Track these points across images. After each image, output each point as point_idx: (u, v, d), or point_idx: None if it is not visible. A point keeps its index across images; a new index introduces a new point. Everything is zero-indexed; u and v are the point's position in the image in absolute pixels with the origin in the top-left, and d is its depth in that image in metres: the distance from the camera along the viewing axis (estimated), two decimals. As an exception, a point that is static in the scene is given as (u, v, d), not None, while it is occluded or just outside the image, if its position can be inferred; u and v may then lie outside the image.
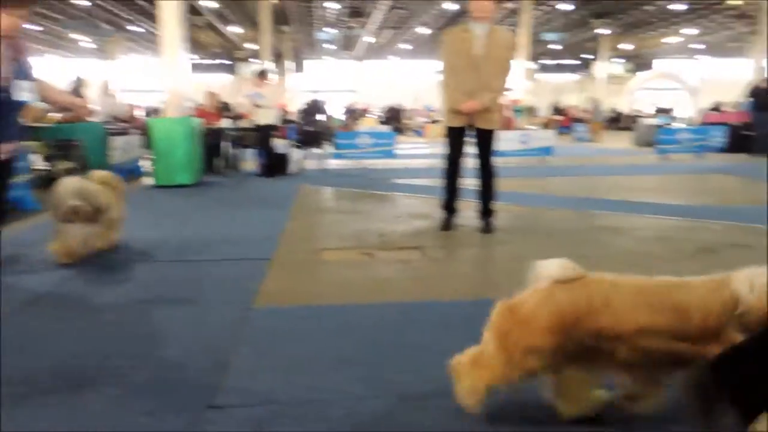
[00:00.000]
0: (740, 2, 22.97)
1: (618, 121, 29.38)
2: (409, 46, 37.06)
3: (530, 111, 27.55)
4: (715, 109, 19.56)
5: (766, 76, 12.97)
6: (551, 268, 1.88)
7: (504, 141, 12.14)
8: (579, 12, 27.45)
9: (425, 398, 2.08)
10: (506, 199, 6.59)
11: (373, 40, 35.50)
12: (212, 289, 3.47)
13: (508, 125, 22.51)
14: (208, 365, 2.36)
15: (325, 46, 37.75)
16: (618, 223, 5.47)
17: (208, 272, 3.82)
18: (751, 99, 12.87)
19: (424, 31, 30.64)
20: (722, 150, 13.45)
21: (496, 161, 5.18)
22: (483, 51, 4.74)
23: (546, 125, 24.48)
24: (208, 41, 34.24)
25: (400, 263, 4.05)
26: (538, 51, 36.64)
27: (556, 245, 4.60)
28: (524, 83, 28.67)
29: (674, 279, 1.84)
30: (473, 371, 1.88)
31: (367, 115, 27.44)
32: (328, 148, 11.35)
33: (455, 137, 4.96)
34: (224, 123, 10.64)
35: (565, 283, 1.83)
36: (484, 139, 4.94)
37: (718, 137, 13.64)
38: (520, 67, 27.71)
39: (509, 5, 25.61)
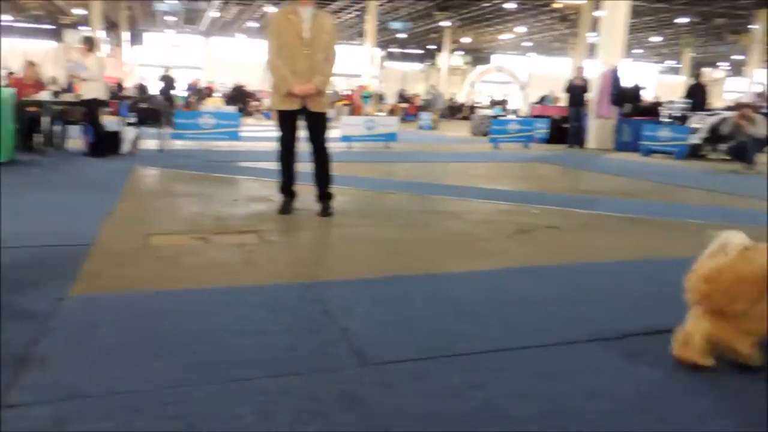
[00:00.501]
0: (561, 5, 25.31)
1: (459, 111, 31.11)
2: (256, 24, 36.01)
3: (378, 97, 28.22)
4: (540, 102, 21.44)
5: (578, 74, 14.42)
6: (737, 237, 2.23)
7: (349, 126, 12.39)
8: (424, 3, 28.52)
9: (247, 382, 2.05)
10: (349, 183, 6.71)
11: (218, 15, 34.01)
12: (21, 278, 3.13)
13: (356, 110, 22.91)
14: (3, 360, 2.13)
15: (166, 18, 35.44)
16: (452, 207, 5.80)
17: (16, 261, 3.44)
18: (567, 95, 14.30)
19: (271, 9, 29.93)
20: (545, 141, 14.83)
21: (331, 145, 5.23)
22: (310, 35, 4.78)
23: (392, 112, 25.27)
24: (26, 2, 30.52)
25: (236, 247, 3.96)
26: (386, 39, 37.60)
27: (394, 228, 4.78)
28: (373, 70, 29.30)
29: None
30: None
31: (213, 94, 26.32)
32: (166, 128, 10.72)
33: (289, 121, 4.93)
34: (44, 95, 9.60)
35: (750, 250, 2.19)
36: (317, 123, 4.99)
37: (543, 129, 15.01)
38: (368, 53, 28.26)
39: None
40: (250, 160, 9.20)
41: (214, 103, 21.12)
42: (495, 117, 17.35)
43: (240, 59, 39.25)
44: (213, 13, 33.42)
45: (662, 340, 2.56)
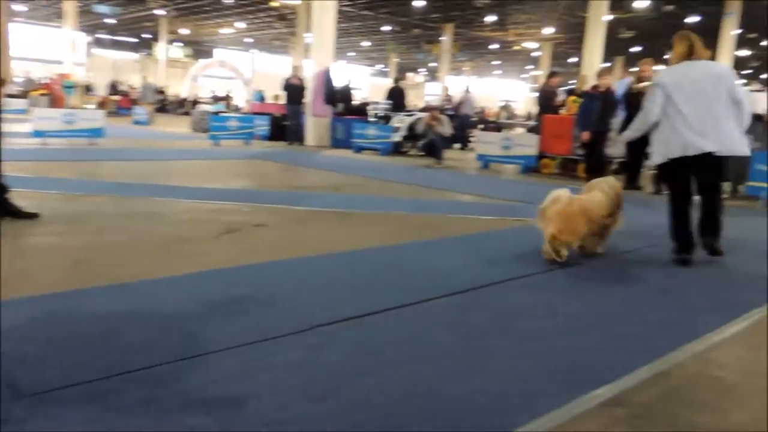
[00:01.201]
0: (278, 4, 25.86)
1: (181, 106, 29.68)
2: None
3: (85, 88, 25.44)
4: (258, 100, 21.62)
5: (295, 73, 14.93)
6: (564, 191, 4.05)
7: (44, 120, 10.89)
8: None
9: None
10: (36, 185, 5.92)
11: None
12: None
13: (57, 102, 20.24)
14: None
15: None
16: (158, 208, 5.47)
17: None
18: (285, 93, 14.69)
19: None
20: (267, 138, 15.02)
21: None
22: None
23: (103, 105, 23.00)
24: None
25: None
26: (93, 23, 33.98)
27: (85, 234, 4.31)
28: (76, 56, 26.27)
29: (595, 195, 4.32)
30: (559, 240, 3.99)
31: None
32: None
33: None
34: None
35: (573, 197, 4.09)
36: None
37: (264, 126, 15.16)
38: (68, 37, 25.19)
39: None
40: None
41: None
42: (215, 113, 16.94)
43: None
44: None
45: (348, 327, 2.77)
